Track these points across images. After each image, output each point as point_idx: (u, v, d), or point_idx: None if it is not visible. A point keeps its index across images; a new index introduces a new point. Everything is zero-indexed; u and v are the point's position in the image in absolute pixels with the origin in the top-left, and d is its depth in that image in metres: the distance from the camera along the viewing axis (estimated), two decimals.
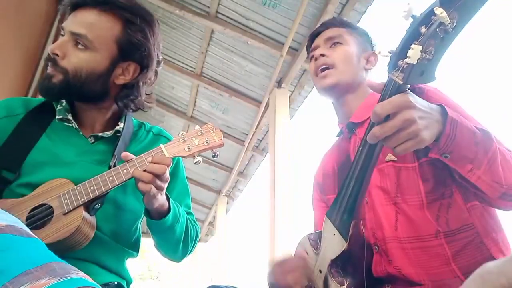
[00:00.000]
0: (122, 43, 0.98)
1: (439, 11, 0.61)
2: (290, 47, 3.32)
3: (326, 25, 1.15)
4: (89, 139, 1.03)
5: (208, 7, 3.47)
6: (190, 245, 1.10)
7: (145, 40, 1.01)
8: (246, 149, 4.94)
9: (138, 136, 1.12)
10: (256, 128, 4.49)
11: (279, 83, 3.72)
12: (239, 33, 3.48)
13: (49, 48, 0.94)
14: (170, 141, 1.13)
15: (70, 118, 1.02)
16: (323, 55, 1.09)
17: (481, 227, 0.83)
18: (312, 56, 1.13)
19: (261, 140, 4.97)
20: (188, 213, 1.13)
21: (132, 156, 0.91)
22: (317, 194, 1.18)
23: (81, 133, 1.03)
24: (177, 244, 1.05)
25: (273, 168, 3.49)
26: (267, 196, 3.52)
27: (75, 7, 0.98)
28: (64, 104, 1.04)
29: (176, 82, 4.65)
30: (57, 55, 0.94)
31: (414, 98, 0.68)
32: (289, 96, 3.85)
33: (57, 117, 1.02)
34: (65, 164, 0.96)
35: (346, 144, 1.07)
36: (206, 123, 1.01)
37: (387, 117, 0.68)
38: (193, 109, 4.93)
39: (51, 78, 0.94)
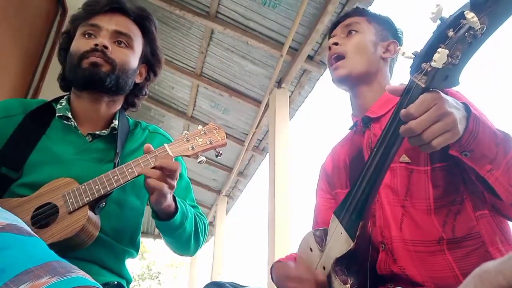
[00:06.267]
0: (144, 48, 1.15)
1: (470, 15, 0.60)
2: (290, 47, 3.32)
3: (347, 14, 1.14)
4: (87, 138, 1.04)
5: (208, 7, 3.47)
6: (201, 239, 1.11)
7: (157, 49, 1.19)
8: (246, 149, 4.93)
9: (134, 134, 1.14)
10: (256, 128, 4.48)
11: (279, 83, 3.72)
12: (239, 33, 3.48)
13: (98, 40, 1.03)
14: (166, 138, 1.16)
15: (70, 116, 1.04)
16: (336, 44, 1.08)
17: (487, 237, 0.82)
18: (329, 46, 1.12)
19: (261, 140, 4.96)
20: (194, 207, 1.14)
21: (153, 148, 0.94)
22: (323, 184, 1.16)
23: (79, 131, 1.04)
24: (188, 240, 1.06)
25: (273, 168, 3.49)
26: (267, 196, 3.52)
27: (110, 10, 1.08)
28: (64, 103, 1.07)
29: (176, 82, 4.65)
30: (107, 48, 1.03)
31: (443, 94, 0.67)
32: (289, 96, 3.85)
33: (57, 114, 1.04)
34: (64, 163, 0.97)
35: (359, 138, 1.05)
36: (207, 123, 1.02)
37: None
38: (193, 109, 4.92)
39: (100, 67, 1.02)
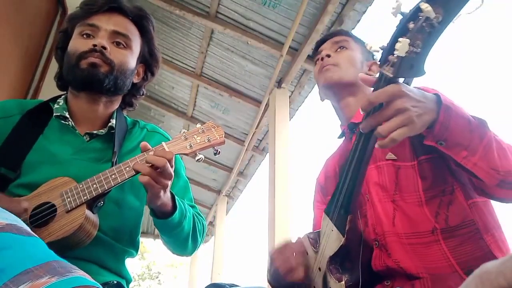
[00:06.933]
0: (142, 48, 1.15)
1: (424, 5, 0.65)
2: (290, 47, 3.32)
3: (332, 33, 1.21)
4: (84, 137, 1.04)
5: (208, 7, 3.47)
6: (199, 239, 1.11)
7: (154, 49, 1.19)
8: (246, 149, 4.93)
9: (132, 133, 1.14)
10: (256, 128, 4.48)
11: (279, 83, 3.72)
12: (239, 33, 3.48)
13: (97, 41, 1.03)
14: (164, 137, 1.16)
15: (67, 116, 1.04)
16: (328, 56, 1.13)
17: (481, 224, 0.84)
18: (318, 59, 1.17)
19: (261, 140, 4.96)
20: (192, 206, 1.14)
21: (150, 146, 0.93)
22: (319, 196, 1.20)
23: (77, 131, 1.04)
24: (186, 240, 1.06)
25: (273, 168, 3.49)
26: (267, 196, 3.52)
27: (108, 10, 1.07)
28: (61, 103, 1.07)
29: (176, 82, 4.65)
30: (105, 48, 1.02)
31: (406, 88, 0.71)
32: (289, 96, 3.85)
33: (54, 114, 1.04)
34: (62, 163, 0.97)
35: (347, 145, 1.09)
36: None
37: (380, 107, 0.71)
38: (193, 109, 4.92)
39: (99, 67, 1.02)
